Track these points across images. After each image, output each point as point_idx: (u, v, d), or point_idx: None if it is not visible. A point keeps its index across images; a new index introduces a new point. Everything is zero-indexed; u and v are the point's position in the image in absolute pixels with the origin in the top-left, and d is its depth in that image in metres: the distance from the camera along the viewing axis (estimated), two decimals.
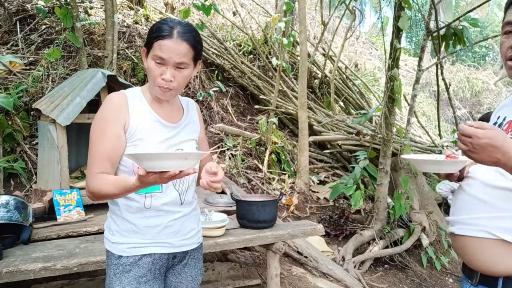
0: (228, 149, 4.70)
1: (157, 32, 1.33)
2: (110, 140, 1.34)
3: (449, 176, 1.32)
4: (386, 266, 4.03)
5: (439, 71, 4.98)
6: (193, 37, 1.36)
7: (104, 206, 2.91)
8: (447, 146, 2.68)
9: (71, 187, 2.75)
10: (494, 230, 1.16)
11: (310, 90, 6.27)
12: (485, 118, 2.92)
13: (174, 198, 1.43)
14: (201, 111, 5.03)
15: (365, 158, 4.26)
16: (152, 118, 1.41)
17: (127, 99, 1.39)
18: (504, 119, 1.26)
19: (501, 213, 1.16)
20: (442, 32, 4.05)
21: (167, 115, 1.45)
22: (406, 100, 6.96)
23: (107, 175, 1.34)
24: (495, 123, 1.29)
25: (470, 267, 1.26)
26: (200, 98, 5.01)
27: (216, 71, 5.63)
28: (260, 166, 4.70)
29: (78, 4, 4.44)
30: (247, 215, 2.61)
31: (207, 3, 4.16)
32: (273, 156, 4.88)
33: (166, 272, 1.50)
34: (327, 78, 6.49)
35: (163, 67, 1.33)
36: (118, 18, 4.65)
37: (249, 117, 5.61)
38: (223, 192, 3.81)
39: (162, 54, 1.32)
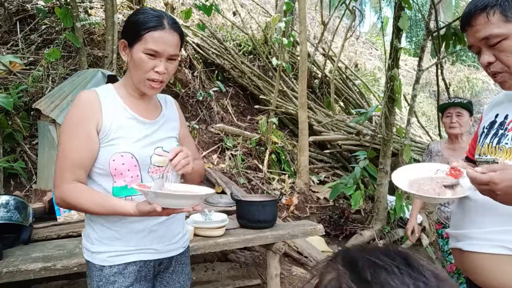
0: (228, 149, 4.70)
1: (146, 23, 1.25)
2: (82, 143, 1.25)
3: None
4: None
5: (439, 71, 4.97)
6: (179, 26, 1.31)
7: None
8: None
9: None
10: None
11: (310, 90, 6.27)
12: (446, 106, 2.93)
13: None
14: (201, 111, 5.04)
15: (365, 158, 4.26)
16: (127, 115, 1.31)
17: (98, 97, 1.29)
18: (506, 117, 1.18)
19: None
20: (442, 32, 4.05)
21: (143, 111, 1.36)
22: (406, 100, 6.96)
23: (88, 189, 1.26)
24: (493, 122, 1.22)
25: (483, 287, 1.13)
26: (200, 98, 5.01)
27: (216, 71, 5.63)
28: (260, 166, 4.70)
29: (78, 4, 4.43)
30: (247, 215, 2.61)
31: (207, 3, 4.15)
32: (273, 156, 4.88)
33: (153, 280, 1.40)
34: (327, 78, 6.49)
35: (156, 60, 1.26)
36: (118, 18, 4.64)
37: (249, 117, 5.61)
38: (223, 192, 3.81)
39: (156, 47, 1.24)
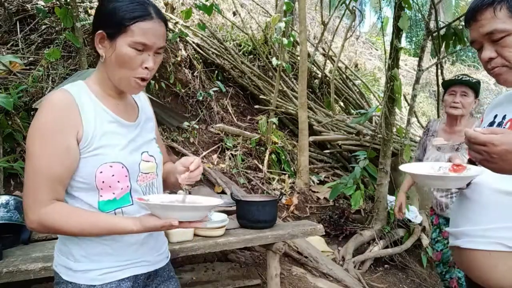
0: (228, 149, 4.70)
1: (133, 12, 1.09)
2: (60, 156, 1.06)
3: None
4: (386, 266, 4.03)
5: (439, 71, 4.97)
6: (164, 15, 1.17)
7: None
8: (440, 145, 2.62)
9: None
10: (509, 242, 1.07)
11: (310, 90, 6.27)
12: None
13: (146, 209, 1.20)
14: (201, 111, 5.04)
15: (365, 158, 4.26)
16: (108, 118, 1.15)
17: (73, 98, 1.10)
18: (503, 118, 1.18)
19: None
20: (442, 32, 4.05)
21: (123, 113, 1.20)
22: (406, 100, 6.96)
23: (73, 208, 1.11)
24: (492, 123, 1.22)
25: (480, 284, 1.14)
26: (200, 98, 5.01)
27: (216, 71, 5.63)
28: (260, 166, 4.70)
29: (78, 4, 4.43)
30: (247, 215, 2.61)
31: (207, 3, 4.15)
32: (273, 156, 4.88)
33: None
34: (327, 78, 6.48)
35: (144, 54, 1.11)
36: None
37: (249, 117, 5.61)
38: (223, 192, 3.81)
39: (146, 39, 1.09)
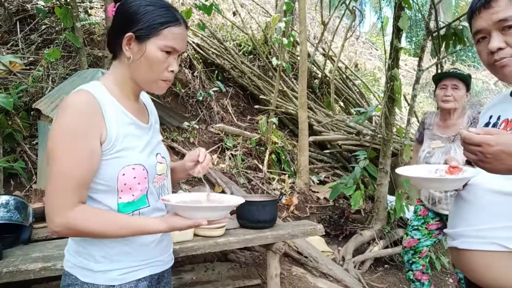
0: (228, 149, 4.70)
1: (165, 17, 1.12)
2: (85, 159, 1.06)
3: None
4: (386, 266, 4.03)
5: (439, 71, 4.97)
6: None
7: None
8: (437, 148, 2.65)
9: None
10: (505, 242, 1.06)
11: (310, 90, 6.27)
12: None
13: (163, 209, 1.25)
14: (201, 111, 5.04)
15: (365, 158, 4.26)
16: (127, 120, 1.16)
17: (96, 99, 1.09)
18: (498, 118, 1.18)
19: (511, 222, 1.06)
20: (442, 32, 4.05)
21: (138, 115, 1.22)
22: (406, 100, 6.95)
23: (100, 210, 1.12)
24: (487, 123, 1.22)
25: (479, 285, 1.14)
26: (200, 98, 5.01)
27: (216, 71, 5.63)
28: (260, 166, 4.70)
29: (78, 4, 4.43)
30: (247, 215, 2.61)
31: (207, 3, 4.15)
32: (273, 156, 4.88)
33: None
34: (327, 78, 6.48)
35: (170, 57, 1.15)
36: None
37: (249, 117, 5.61)
38: (223, 192, 3.82)
39: (176, 44, 1.13)
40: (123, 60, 1.15)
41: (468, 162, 1.21)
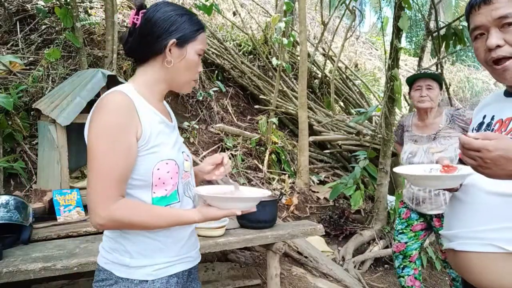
0: (228, 149, 4.70)
1: (197, 24, 1.25)
2: (124, 154, 1.12)
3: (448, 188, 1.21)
4: (386, 266, 4.03)
5: (439, 71, 4.97)
6: None
7: None
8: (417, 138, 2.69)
9: (71, 187, 2.75)
10: (501, 243, 1.05)
11: (310, 90, 6.27)
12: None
13: (190, 205, 1.30)
14: (201, 111, 5.04)
15: (365, 158, 4.26)
16: (158, 119, 1.23)
17: (131, 99, 1.17)
18: (492, 118, 1.17)
19: (508, 223, 1.05)
20: (442, 32, 4.05)
21: (164, 114, 1.30)
22: (406, 100, 6.95)
23: (139, 202, 1.18)
24: (481, 123, 1.21)
25: (476, 287, 1.13)
26: (200, 98, 5.01)
27: (216, 71, 5.63)
28: (260, 166, 4.70)
29: (78, 4, 4.43)
30: (247, 215, 2.58)
31: (207, 3, 4.15)
32: (273, 156, 4.88)
33: None
34: (327, 78, 6.48)
35: (199, 59, 1.29)
36: (118, 18, 4.64)
37: (249, 117, 5.61)
38: None
39: (205, 47, 1.28)
40: (158, 64, 1.23)
41: (461, 162, 1.21)
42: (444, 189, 1.24)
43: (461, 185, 1.19)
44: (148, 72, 1.25)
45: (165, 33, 1.20)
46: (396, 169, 1.24)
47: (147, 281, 1.19)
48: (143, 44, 1.22)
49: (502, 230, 1.06)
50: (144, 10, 1.23)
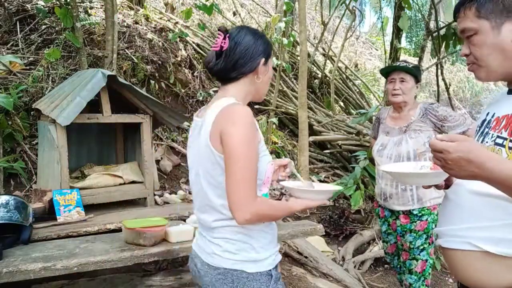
0: None
1: (270, 43, 1.47)
2: (257, 159, 1.33)
3: (436, 185, 1.23)
4: (386, 266, 4.03)
5: (439, 71, 4.98)
6: None
7: (105, 206, 2.91)
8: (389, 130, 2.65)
9: (71, 187, 2.74)
10: (477, 242, 1.08)
11: (310, 90, 6.27)
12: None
13: None
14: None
15: (365, 158, 4.26)
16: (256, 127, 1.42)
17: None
18: (492, 116, 1.20)
19: (485, 222, 1.08)
20: (442, 32, 4.05)
21: None
22: None
23: (266, 198, 1.39)
24: (484, 120, 1.24)
25: (462, 283, 1.16)
26: (200, 98, 5.01)
27: None
28: None
29: (78, 4, 4.43)
30: None
31: (208, 3, 4.15)
32: (273, 156, 4.89)
33: None
34: (327, 78, 6.49)
35: None
36: (118, 18, 4.64)
37: None
38: None
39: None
40: (248, 80, 1.42)
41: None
42: (429, 186, 1.27)
43: (450, 184, 1.23)
44: (241, 87, 1.43)
45: (256, 54, 1.40)
46: (383, 167, 1.31)
47: (270, 270, 1.37)
48: (238, 65, 1.38)
49: (480, 229, 1.08)
50: (228, 34, 1.38)
